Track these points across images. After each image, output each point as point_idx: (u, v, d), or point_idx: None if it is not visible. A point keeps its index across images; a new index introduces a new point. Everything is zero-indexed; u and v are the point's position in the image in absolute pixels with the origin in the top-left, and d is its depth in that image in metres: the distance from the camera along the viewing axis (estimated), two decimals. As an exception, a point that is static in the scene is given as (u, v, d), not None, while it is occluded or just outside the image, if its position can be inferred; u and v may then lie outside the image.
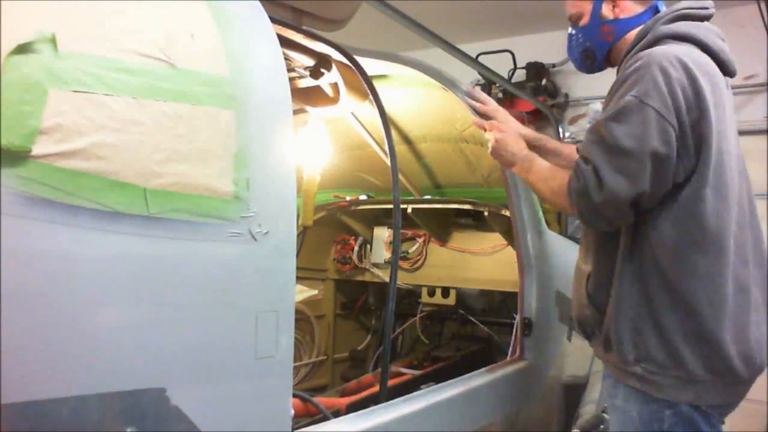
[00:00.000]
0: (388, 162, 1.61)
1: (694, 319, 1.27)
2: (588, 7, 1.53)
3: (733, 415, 1.39)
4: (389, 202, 1.63)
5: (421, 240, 2.68)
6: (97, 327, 0.83)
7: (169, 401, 0.89)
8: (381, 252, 2.73)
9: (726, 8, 4.29)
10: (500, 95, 4.68)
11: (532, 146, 1.67)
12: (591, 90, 4.80)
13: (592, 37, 1.54)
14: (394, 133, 2.38)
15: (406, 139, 2.54)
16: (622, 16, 1.49)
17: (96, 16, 0.90)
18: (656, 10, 1.48)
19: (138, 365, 0.87)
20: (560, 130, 4.80)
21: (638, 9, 1.49)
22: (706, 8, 1.45)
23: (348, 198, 2.76)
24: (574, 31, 1.58)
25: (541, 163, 1.53)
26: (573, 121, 4.91)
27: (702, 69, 1.30)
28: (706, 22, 1.44)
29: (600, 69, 1.60)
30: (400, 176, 2.63)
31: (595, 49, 1.54)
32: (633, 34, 1.47)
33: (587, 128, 1.53)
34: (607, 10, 1.50)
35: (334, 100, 1.90)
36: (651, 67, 1.27)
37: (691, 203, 1.28)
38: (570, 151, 1.77)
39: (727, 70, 1.41)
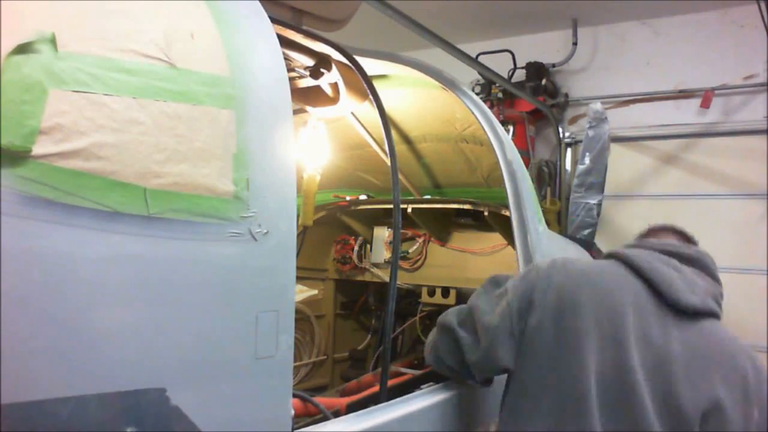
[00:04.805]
0: (388, 162, 1.61)
1: None
2: None
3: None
4: (389, 202, 1.63)
5: (421, 240, 2.68)
6: (96, 327, 0.83)
7: (169, 401, 0.89)
8: (381, 252, 2.72)
9: (725, 8, 4.31)
10: (500, 95, 4.69)
11: None
12: (591, 90, 4.81)
13: None
14: (394, 133, 2.38)
15: (406, 139, 2.54)
16: None
17: (96, 16, 0.89)
18: None
19: (138, 365, 0.87)
20: (560, 129, 4.81)
21: None
22: (673, 248, 1.41)
23: (348, 198, 2.76)
24: None
25: None
26: (573, 121, 4.91)
27: (585, 279, 1.34)
28: (665, 256, 1.38)
29: None
30: (400, 176, 2.63)
31: None
32: None
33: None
34: None
35: (334, 100, 1.90)
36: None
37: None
38: None
39: (670, 300, 1.31)
